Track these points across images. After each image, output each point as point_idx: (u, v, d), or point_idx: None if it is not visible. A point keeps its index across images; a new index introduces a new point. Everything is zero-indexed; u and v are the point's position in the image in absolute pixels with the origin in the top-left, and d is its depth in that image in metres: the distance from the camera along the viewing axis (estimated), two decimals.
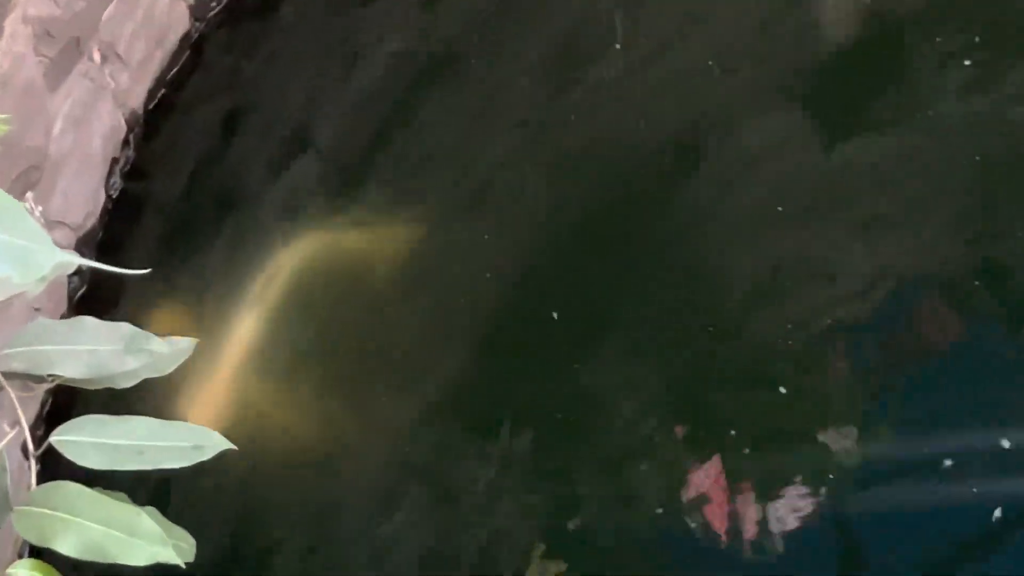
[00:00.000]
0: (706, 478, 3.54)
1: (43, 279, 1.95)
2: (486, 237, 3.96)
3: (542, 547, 3.50)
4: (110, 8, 3.80)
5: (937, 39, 4.08)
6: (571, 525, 3.53)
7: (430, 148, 4.14)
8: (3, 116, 2.52)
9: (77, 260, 1.79)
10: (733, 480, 3.51)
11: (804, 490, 3.51)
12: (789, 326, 3.71)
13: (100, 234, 3.93)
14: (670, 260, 3.91)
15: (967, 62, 4.02)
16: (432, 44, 4.28)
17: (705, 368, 3.75)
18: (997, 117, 3.96)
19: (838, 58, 4.15)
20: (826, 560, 3.45)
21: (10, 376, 2.09)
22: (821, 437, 3.55)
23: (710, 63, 4.15)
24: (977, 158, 3.90)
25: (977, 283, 3.77)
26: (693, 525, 3.47)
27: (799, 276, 3.86)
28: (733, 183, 3.99)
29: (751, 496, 3.51)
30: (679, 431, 3.61)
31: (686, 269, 3.89)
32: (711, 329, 3.74)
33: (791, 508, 3.50)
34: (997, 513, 3.36)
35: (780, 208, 3.88)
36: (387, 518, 3.63)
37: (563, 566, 3.48)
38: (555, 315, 3.79)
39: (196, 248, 4.00)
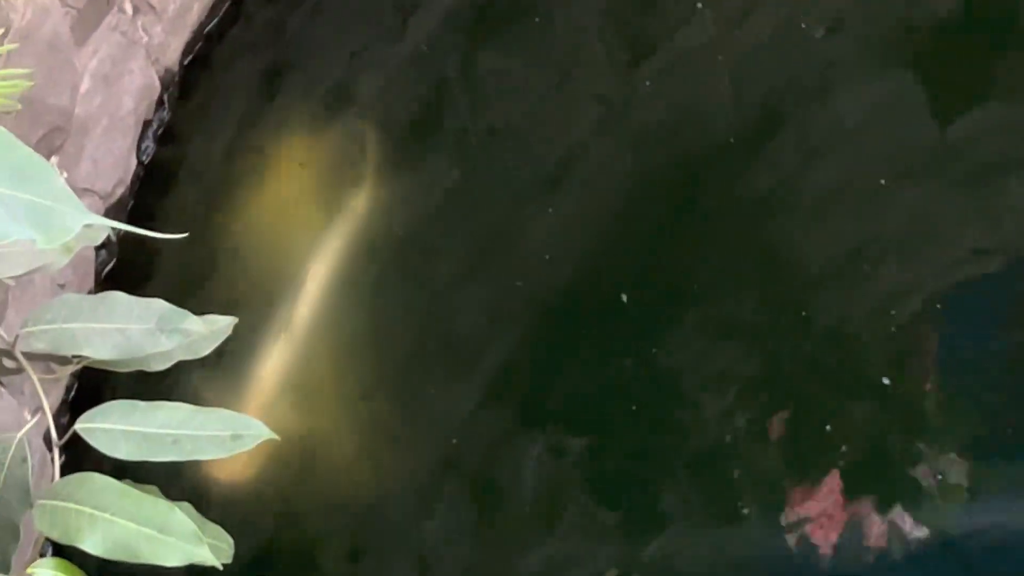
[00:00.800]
0: (819, 495, 3.55)
1: (70, 248, 2.23)
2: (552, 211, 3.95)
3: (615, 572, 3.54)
4: None
5: None
6: (651, 548, 3.54)
7: (490, 117, 4.11)
8: (24, 71, 2.88)
9: (108, 223, 1.70)
10: (850, 495, 3.51)
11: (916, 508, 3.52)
12: (892, 312, 3.70)
13: (131, 203, 3.92)
14: (760, 240, 3.93)
15: None
16: None
17: (799, 359, 3.77)
18: None
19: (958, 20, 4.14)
20: None
21: (32, 357, 2.19)
22: (933, 441, 3.58)
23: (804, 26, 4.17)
24: None
25: None
26: (799, 546, 3.50)
27: (897, 254, 3.83)
28: (828, 156, 3.99)
29: (872, 513, 3.50)
30: (775, 431, 3.62)
31: (775, 250, 3.90)
32: (804, 314, 3.76)
33: (910, 525, 3.51)
34: None
35: (883, 181, 3.85)
36: (431, 524, 3.70)
37: None
38: (624, 297, 3.81)
39: (235, 219, 3.98)
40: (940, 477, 3.49)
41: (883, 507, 3.50)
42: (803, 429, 3.63)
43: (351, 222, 4.04)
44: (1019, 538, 3.52)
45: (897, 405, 3.61)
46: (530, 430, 3.70)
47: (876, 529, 3.54)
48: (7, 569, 2.26)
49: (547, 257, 3.90)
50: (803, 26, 4.17)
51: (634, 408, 3.67)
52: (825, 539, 3.49)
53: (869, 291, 3.75)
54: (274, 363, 3.87)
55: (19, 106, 3.02)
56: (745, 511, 3.54)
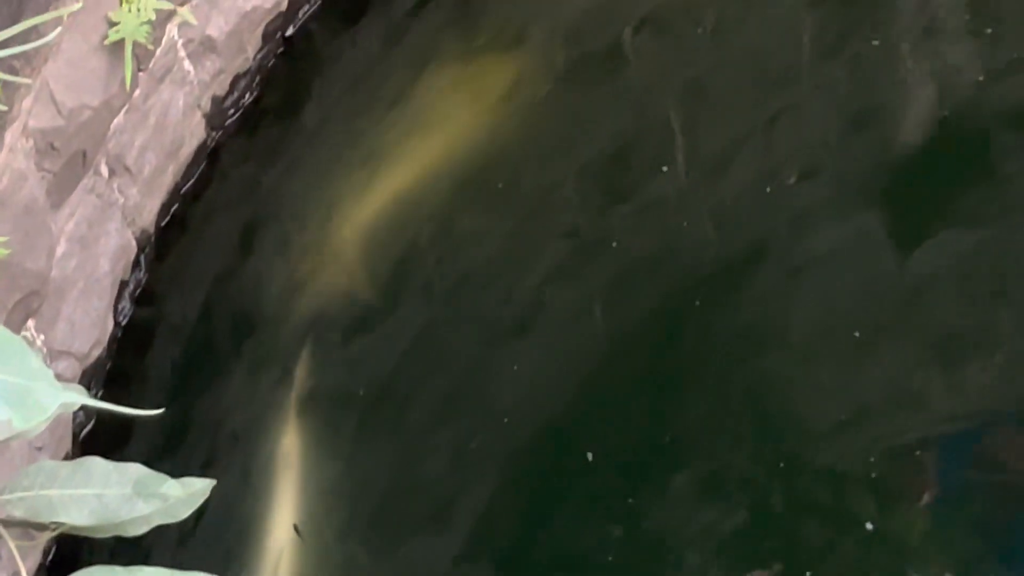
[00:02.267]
0: None
1: (45, 421, 1.85)
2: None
3: None
4: (119, 118, 3.79)
5: (1010, 146, 4.13)
6: None
7: (467, 267, 4.14)
8: (1, 238, 2.91)
9: (83, 400, 1.57)
10: None
11: None
12: (872, 458, 3.67)
13: (108, 364, 3.96)
14: (736, 391, 3.91)
15: None
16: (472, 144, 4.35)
17: (776, 508, 3.73)
18: None
19: (916, 166, 4.20)
20: None
21: (9, 524, 1.90)
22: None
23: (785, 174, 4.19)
24: None
25: None
26: None
27: (878, 402, 3.82)
28: (802, 306, 4.00)
29: None
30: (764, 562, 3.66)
31: (752, 401, 3.91)
32: (781, 464, 3.77)
33: None
34: None
35: (857, 334, 3.90)
36: None
37: None
38: (591, 455, 3.79)
39: (213, 378, 3.98)
40: None
41: None
42: (797, 558, 3.64)
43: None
44: None
45: (882, 550, 3.58)
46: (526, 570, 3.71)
47: None
48: None
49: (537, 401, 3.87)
50: (776, 175, 4.20)
51: (610, 559, 3.63)
52: None
53: (851, 442, 3.72)
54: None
55: None
56: None
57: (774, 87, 4.40)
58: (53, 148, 3.63)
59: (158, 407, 2.14)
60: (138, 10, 3.78)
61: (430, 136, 4.35)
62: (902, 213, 4.15)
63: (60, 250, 3.70)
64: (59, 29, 3.52)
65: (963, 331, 4.02)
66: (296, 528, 3.70)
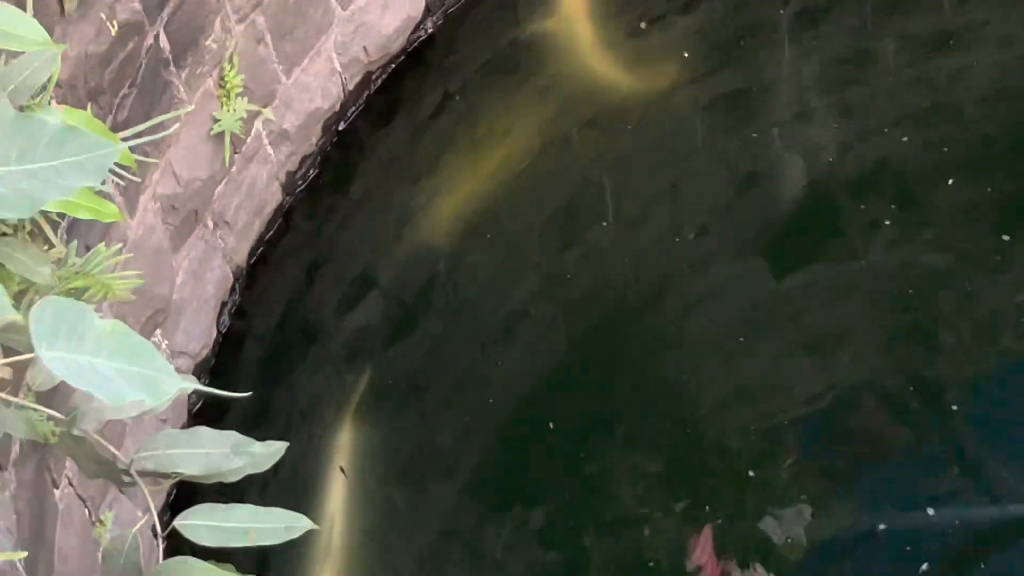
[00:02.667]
0: (700, 547, 3.56)
1: (168, 401, 1.93)
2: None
3: None
4: (220, 187, 3.82)
5: (862, 205, 4.13)
6: None
7: (468, 293, 4.20)
8: (136, 273, 2.97)
9: (194, 386, 1.69)
10: (721, 548, 3.53)
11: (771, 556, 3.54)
12: (752, 426, 3.73)
13: (212, 361, 3.94)
14: (656, 379, 3.94)
15: (887, 222, 4.07)
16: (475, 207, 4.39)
17: (687, 459, 3.77)
18: (909, 262, 4.02)
19: (792, 219, 4.20)
20: None
21: (143, 474, 2.05)
22: (782, 513, 3.59)
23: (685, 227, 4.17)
24: (907, 291, 3.95)
25: (905, 390, 3.81)
26: None
27: (760, 384, 3.87)
28: (701, 320, 4.03)
29: (734, 563, 3.54)
30: (669, 505, 3.64)
31: (667, 385, 3.93)
32: (688, 430, 3.77)
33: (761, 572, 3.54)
34: (924, 567, 3.41)
35: (742, 339, 3.90)
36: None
37: None
38: (552, 424, 3.80)
39: (286, 373, 4.02)
40: (796, 535, 3.54)
41: (744, 560, 3.55)
42: (693, 504, 3.66)
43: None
44: None
45: (758, 493, 3.63)
46: (499, 512, 3.77)
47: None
48: None
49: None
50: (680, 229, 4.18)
51: (566, 496, 3.70)
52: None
53: (737, 415, 3.81)
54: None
55: (133, 297, 3.02)
56: (659, 561, 3.61)
57: (678, 163, 4.30)
58: (174, 208, 3.65)
59: (247, 392, 2.31)
60: (234, 110, 3.77)
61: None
62: (776, 255, 4.10)
63: (179, 280, 3.74)
64: (177, 124, 3.60)
65: (821, 336, 3.95)
66: (341, 469, 3.65)
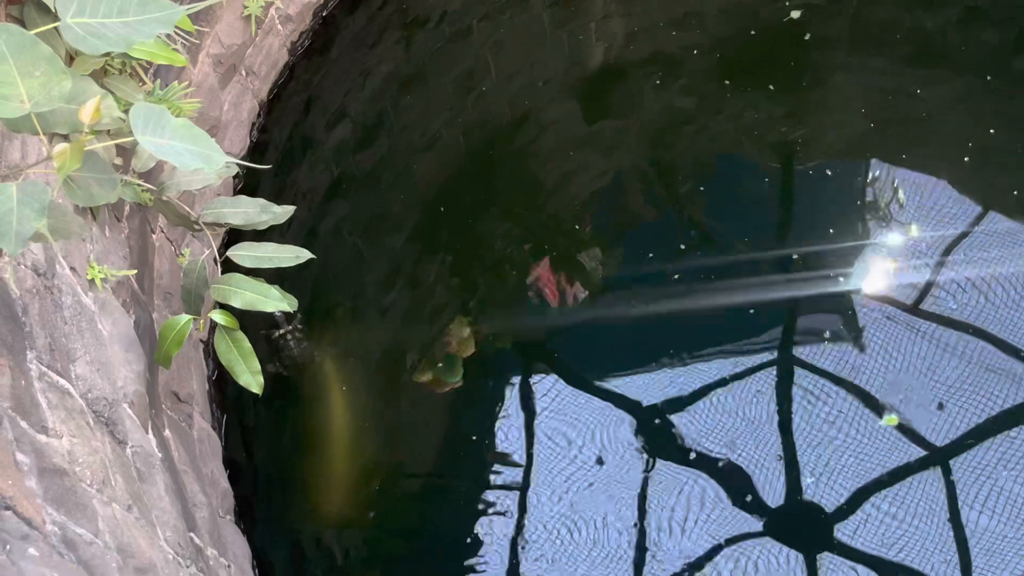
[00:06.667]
0: (541, 269, 3.88)
1: (220, 175, 2.31)
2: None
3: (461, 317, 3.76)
4: (249, 49, 4.20)
5: (641, 72, 4.34)
6: (474, 300, 3.88)
7: (406, 120, 4.40)
8: (197, 101, 3.19)
9: (235, 160, 1.96)
10: (555, 271, 3.86)
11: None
12: (575, 202, 4.16)
13: (247, 158, 4.25)
14: (518, 175, 4.25)
15: (657, 82, 4.35)
16: (409, 68, 4.46)
17: (536, 223, 4.10)
18: (668, 105, 4.24)
19: (597, 81, 4.40)
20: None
21: (206, 224, 2.44)
22: (588, 252, 3.99)
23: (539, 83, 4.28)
24: (664, 123, 4.21)
25: (654, 181, 4.13)
26: (538, 292, 3.80)
27: (578, 179, 4.15)
28: (552, 144, 4.29)
29: (562, 276, 3.81)
30: (525, 248, 4.02)
31: (525, 179, 4.25)
32: (537, 205, 4.15)
33: (578, 289, 3.73)
34: (676, 277, 3.58)
35: (571, 153, 4.29)
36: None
37: (470, 321, 3.76)
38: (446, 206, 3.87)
39: (292, 169, 4.26)
40: (596, 264, 3.88)
41: (569, 278, 3.83)
42: (539, 247, 4.06)
43: None
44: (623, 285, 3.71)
45: (577, 240, 3.97)
46: (428, 254, 4.02)
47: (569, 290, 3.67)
48: (199, 314, 2.49)
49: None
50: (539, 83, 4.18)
51: (465, 246, 4.00)
52: (550, 293, 3.82)
53: (565, 196, 4.20)
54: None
55: (196, 115, 3.38)
56: (520, 277, 3.89)
57: (536, 47, 4.42)
58: (220, 62, 3.98)
59: (268, 166, 2.79)
60: (255, 2, 4.01)
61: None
62: (588, 104, 4.23)
63: (224, 108, 4.06)
64: (222, 7, 3.88)
65: (611, 148, 4.15)
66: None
